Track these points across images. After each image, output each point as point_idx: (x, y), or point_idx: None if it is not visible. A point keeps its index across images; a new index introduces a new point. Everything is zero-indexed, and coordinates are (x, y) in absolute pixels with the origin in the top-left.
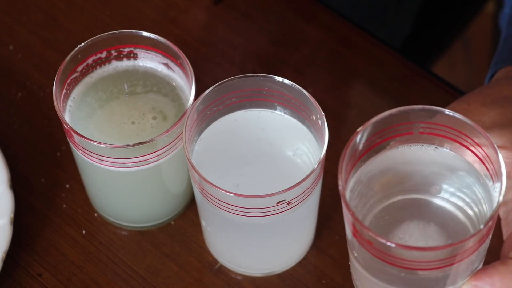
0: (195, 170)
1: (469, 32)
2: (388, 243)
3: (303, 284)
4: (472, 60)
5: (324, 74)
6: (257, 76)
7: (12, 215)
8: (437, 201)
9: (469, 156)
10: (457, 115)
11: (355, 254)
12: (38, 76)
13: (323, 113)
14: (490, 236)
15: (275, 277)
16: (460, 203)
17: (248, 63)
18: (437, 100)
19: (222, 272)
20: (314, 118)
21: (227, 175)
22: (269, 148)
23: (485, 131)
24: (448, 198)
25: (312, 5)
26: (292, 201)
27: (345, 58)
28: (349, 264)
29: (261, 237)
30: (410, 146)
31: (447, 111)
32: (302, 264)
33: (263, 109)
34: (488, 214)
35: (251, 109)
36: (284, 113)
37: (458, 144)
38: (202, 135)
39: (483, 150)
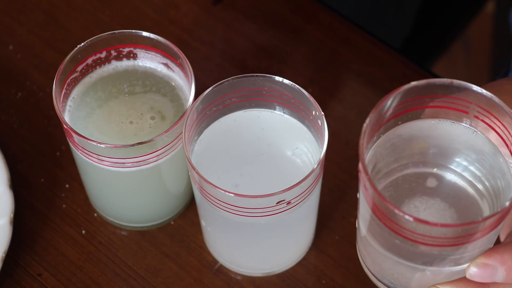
0: (194, 170)
1: (469, 32)
2: (407, 216)
3: (303, 284)
4: (472, 60)
5: (324, 74)
6: (256, 76)
7: (12, 215)
8: (455, 178)
9: (496, 138)
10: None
11: (366, 223)
12: (37, 76)
13: (323, 113)
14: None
15: (275, 277)
16: (481, 185)
17: (248, 63)
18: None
19: (222, 272)
20: (313, 118)
21: (227, 175)
22: (269, 148)
23: None
24: (465, 175)
25: (312, 5)
26: (292, 201)
27: (345, 58)
28: (356, 238)
29: (260, 237)
30: (453, 122)
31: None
32: (302, 264)
33: (263, 109)
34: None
35: (251, 109)
36: (284, 113)
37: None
38: (202, 135)
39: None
